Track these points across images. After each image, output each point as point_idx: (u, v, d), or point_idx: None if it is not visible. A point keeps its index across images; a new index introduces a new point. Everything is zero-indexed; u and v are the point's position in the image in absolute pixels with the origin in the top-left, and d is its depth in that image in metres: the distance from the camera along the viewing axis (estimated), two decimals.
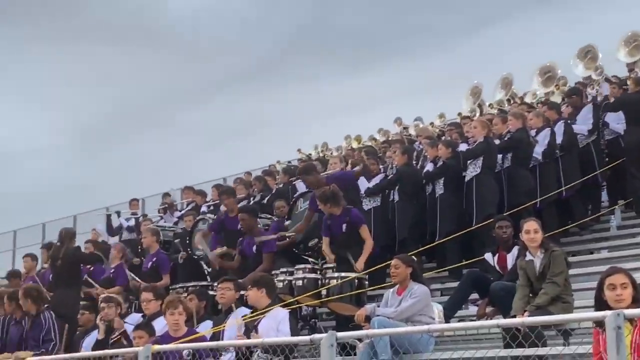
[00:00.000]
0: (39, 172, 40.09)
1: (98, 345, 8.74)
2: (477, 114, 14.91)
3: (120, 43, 44.83)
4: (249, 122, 41.22)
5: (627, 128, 11.46)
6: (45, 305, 9.28)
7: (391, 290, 7.94)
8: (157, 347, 6.74)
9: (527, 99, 15.56)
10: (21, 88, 45.57)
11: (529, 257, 7.42)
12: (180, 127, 43.02)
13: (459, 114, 16.00)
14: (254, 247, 10.26)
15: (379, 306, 7.72)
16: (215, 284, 9.41)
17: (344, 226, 9.38)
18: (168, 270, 11.33)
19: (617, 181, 11.88)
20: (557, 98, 14.43)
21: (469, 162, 10.75)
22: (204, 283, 10.86)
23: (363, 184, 11.68)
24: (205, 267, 11.77)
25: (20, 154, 43.23)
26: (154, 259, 11.36)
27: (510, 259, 8.22)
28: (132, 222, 16.37)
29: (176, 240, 12.65)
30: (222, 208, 11.81)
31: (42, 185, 37.36)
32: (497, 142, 10.98)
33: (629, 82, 12.39)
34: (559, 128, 11.30)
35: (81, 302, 10.63)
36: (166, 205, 16.41)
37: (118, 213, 17.21)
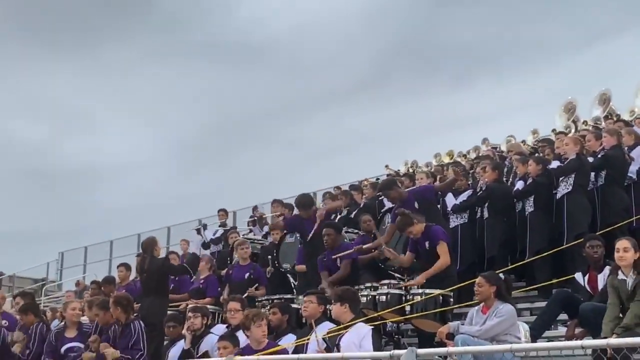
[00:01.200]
0: (140, 186, 41.33)
1: (184, 355, 8.88)
2: (572, 131, 14.53)
3: (224, 60, 45.89)
4: (349, 138, 41.49)
5: None
6: (135, 315, 9.50)
7: (476, 308, 7.80)
8: (239, 358, 6.81)
9: (625, 116, 15.10)
10: (130, 104, 47.19)
11: (621, 276, 7.18)
12: (280, 143, 43.65)
13: (553, 130, 15.63)
14: (338, 262, 10.26)
15: (463, 324, 7.60)
16: (300, 296, 9.46)
17: (427, 244, 9.33)
18: (266, 282, 11.44)
19: None
20: None
21: (560, 179, 10.50)
22: (289, 296, 10.91)
23: (450, 200, 11.54)
24: (291, 279, 11.87)
25: (123, 168, 44.70)
26: (251, 271, 11.46)
27: (601, 279, 7.97)
28: (219, 234, 16.55)
29: (268, 256, 12.67)
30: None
31: (141, 198, 38.48)
32: (590, 159, 10.69)
33: None
34: None
35: (169, 312, 10.80)
36: (255, 218, 16.56)
37: (204, 226, 17.44)
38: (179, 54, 46.28)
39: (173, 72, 45.93)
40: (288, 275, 12.11)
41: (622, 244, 7.23)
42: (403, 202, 9.88)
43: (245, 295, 10.42)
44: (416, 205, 10.09)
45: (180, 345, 9.29)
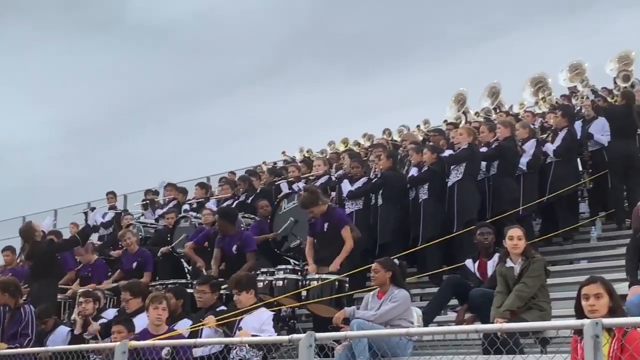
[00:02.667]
0: (29, 167, 39.85)
1: (75, 340, 8.67)
2: (463, 121, 14.93)
3: (125, 40, 44.74)
4: (248, 124, 41.16)
5: (611, 140, 11.54)
6: (24, 299, 9.17)
7: (371, 293, 7.93)
8: (134, 342, 6.68)
9: (515, 109, 15.63)
10: (23, 82, 45.30)
11: (509, 263, 7.45)
12: (178, 127, 42.93)
13: (445, 121, 16.02)
14: (234, 248, 10.22)
15: (358, 309, 7.71)
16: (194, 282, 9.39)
17: (326, 225, 9.37)
18: (152, 268, 11.29)
19: (599, 192, 11.95)
20: (543, 109, 14.52)
21: (452, 168, 10.78)
22: (183, 281, 10.82)
23: (346, 186, 11.67)
24: (185, 265, 11.75)
25: (13, 149, 42.95)
26: (139, 258, 11.30)
27: (491, 265, 8.24)
28: (109, 217, 16.23)
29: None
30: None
31: (29, 180, 37.10)
32: (484, 149, 11.01)
33: (614, 96, 12.49)
34: (562, 133, 11.43)
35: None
36: (147, 202, 16.32)
37: (92, 209, 17.09)
38: (77, 32, 44.86)
39: (70, 50, 44.47)
40: (182, 260, 11.99)
41: (515, 232, 7.49)
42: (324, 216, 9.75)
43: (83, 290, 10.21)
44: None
45: (58, 333, 9.08)
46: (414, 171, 11.22)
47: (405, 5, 41.40)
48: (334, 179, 12.77)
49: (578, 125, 12.19)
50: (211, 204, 13.80)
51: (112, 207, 16.80)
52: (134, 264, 11.27)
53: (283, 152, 19.05)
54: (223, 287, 9.06)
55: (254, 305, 7.75)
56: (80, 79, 44.58)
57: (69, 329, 9.21)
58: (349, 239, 9.33)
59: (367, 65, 44.32)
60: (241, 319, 7.55)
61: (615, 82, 13.78)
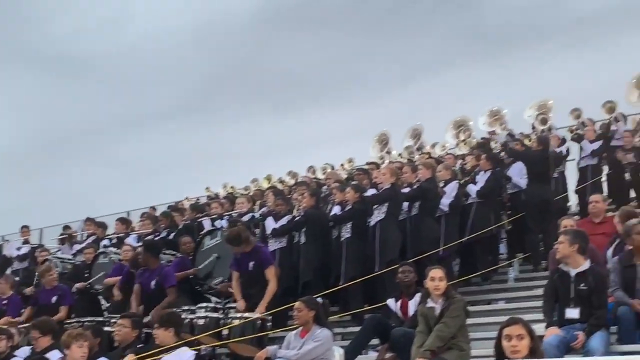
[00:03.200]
0: None
1: None
2: (386, 161, 15.13)
3: (46, 71, 43.70)
4: (172, 158, 40.66)
5: (528, 184, 11.87)
6: None
7: (294, 332, 7.92)
8: None
9: (437, 150, 15.93)
10: None
11: (430, 303, 7.54)
12: (100, 161, 42.06)
13: (367, 163, 16.18)
14: (153, 283, 10.06)
15: (280, 348, 7.68)
16: (113, 320, 9.19)
17: (251, 264, 9.32)
18: (70, 302, 11.05)
19: (516, 234, 12.24)
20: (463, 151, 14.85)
21: (374, 207, 10.88)
22: (100, 319, 10.57)
23: (270, 224, 11.65)
24: (103, 302, 11.50)
25: None
26: (59, 293, 11.03)
27: (412, 305, 8.33)
28: (24, 251, 15.82)
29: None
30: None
31: None
32: (406, 190, 11.17)
33: (531, 140, 12.87)
34: (486, 175, 11.74)
35: None
36: (65, 236, 15.95)
37: (6, 241, 16.67)
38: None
39: None
40: (99, 297, 11.72)
41: (437, 273, 7.60)
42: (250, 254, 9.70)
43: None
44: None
45: None
46: (336, 210, 11.28)
47: (332, 45, 41.95)
48: (257, 216, 12.74)
49: None
50: (131, 240, 13.56)
51: (26, 242, 16.39)
52: (54, 299, 10.96)
53: (207, 188, 18.94)
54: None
55: (176, 344, 7.60)
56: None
57: None
58: (273, 279, 9.29)
59: (293, 102, 44.59)
60: (161, 358, 7.39)
61: (533, 128, 14.23)
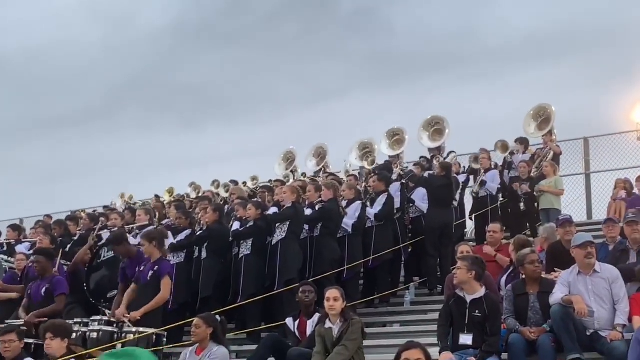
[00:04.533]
0: None
1: None
2: (291, 180, 15.18)
3: None
4: (71, 166, 39.51)
5: (429, 208, 12.12)
6: None
7: (190, 349, 7.82)
8: None
9: (342, 171, 16.05)
10: None
11: (328, 324, 7.58)
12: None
13: (271, 180, 16.19)
14: (43, 291, 9.73)
15: None
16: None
17: (150, 273, 9.11)
18: None
19: (414, 258, 12.46)
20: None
21: (276, 226, 10.87)
22: None
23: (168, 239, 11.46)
24: None
25: None
26: None
27: (311, 325, 8.34)
28: None
29: None
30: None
31: None
32: (308, 211, 11.20)
33: (434, 165, 13.18)
34: (382, 198, 11.81)
35: None
36: None
37: None
38: None
39: None
40: None
41: (332, 293, 7.66)
42: (132, 259, 9.58)
43: None
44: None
45: None
46: (237, 225, 11.20)
47: (240, 60, 41.87)
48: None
49: (396, 189, 12.72)
50: (23, 248, 13.10)
51: None
52: None
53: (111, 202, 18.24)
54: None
55: (66, 358, 7.39)
56: None
57: None
58: (165, 290, 9.05)
59: (199, 117, 44.22)
60: None
61: (436, 152, 14.61)
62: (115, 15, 43.43)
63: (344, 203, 11.47)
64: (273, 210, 11.36)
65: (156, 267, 9.14)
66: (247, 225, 11.09)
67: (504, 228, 11.35)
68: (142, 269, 9.27)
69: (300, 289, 8.71)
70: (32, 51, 41.81)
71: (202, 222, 11.79)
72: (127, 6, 42.35)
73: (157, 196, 17.44)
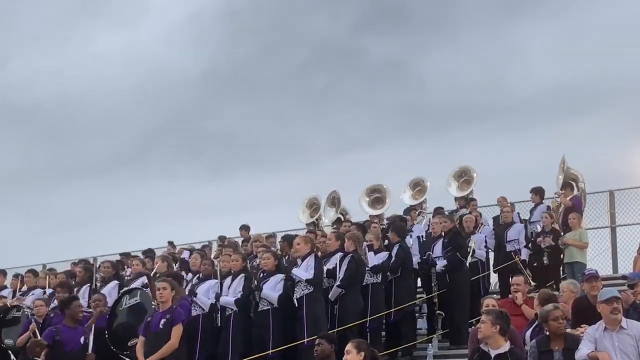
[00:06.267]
0: None
1: None
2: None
3: None
4: (98, 212, 39.85)
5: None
6: None
7: None
8: None
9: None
10: None
11: None
12: (21, 211, 40.97)
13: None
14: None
15: None
16: None
17: (162, 322, 9.07)
18: None
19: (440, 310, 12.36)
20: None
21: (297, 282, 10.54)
22: None
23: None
24: (13, 357, 11.09)
25: None
26: None
27: None
28: None
29: None
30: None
31: None
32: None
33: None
34: (394, 250, 11.74)
35: None
36: None
37: None
38: None
39: None
40: (9, 351, 11.30)
41: (349, 347, 7.57)
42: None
43: None
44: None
45: None
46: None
47: (269, 109, 42.28)
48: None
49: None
50: (38, 294, 13.14)
51: None
52: None
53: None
54: None
55: None
56: None
57: None
58: (177, 337, 8.99)
59: (227, 164, 44.58)
60: None
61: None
62: (148, 63, 44.04)
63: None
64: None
65: (168, 315, 9.11)
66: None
67: (529, 281, 11.25)
68: (149, 320, 9.24)
69: (316, 342, 8.63)
70: (65, 98, 42.52)
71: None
72: (160, 53, 42.94)
73: (170, 242, 17.39)
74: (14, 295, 13.47)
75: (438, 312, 12.13)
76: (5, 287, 14.53)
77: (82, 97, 42.91)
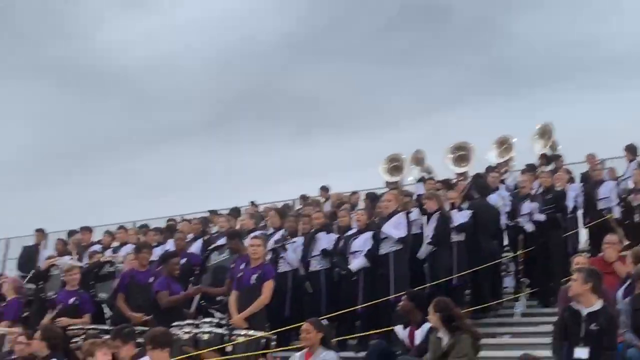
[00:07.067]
0: None
1: None
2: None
3: (71, 84, 43.85)
4: (185, 176, 40.75)
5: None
6: None
7: (298, 354, 7.85)
8: None
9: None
10: None
11: (439, 334, 7.48)
12: (112, 174, 42.17)
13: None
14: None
15: None
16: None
17: (254, 277, 9.25)
18: (91, 311, 10.85)
19: (526, 269, 12.20)
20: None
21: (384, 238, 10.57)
22: (105, 327, 10.52)
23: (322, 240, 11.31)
24: (107, 310, 11.45)
25: None
26: (77, 297, 10.81)
27: (419, 334, 8.25)
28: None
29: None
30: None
31: None
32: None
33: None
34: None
35: None
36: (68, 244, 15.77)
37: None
38: (18, 72, 44.02)
39: (16, 89, 43.58)
40: (103, 305, 11.67)
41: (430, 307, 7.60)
42: (241, 257, 9.76)
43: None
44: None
45: None
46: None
47: (352, 73, 42.15)
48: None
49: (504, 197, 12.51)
50: (129, 249, 13.47)
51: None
52: (71, 300, 10.73)
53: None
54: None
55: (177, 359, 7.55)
56: (11, 119, 43.60)
57: None
58: (267, 294, 9.16)
59: (311, 127, 44.77)
60: None
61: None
62: (233, 30, 44.45)
63: None
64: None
65: (260, 271, 9.27)
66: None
67: (621, 239, 10.95)
68: (240, 275, 9.41)
69: (403, 298, 8.66)
70: (154, 64, 43.35)
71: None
72: (244, 20, 43.26)
73: (252, 202, 17.57)
74: (104, 251, 13.83)
75: (522, 279, 11.99)
76: (94, 243, 14.93)
77: (169, 64, 43.71)
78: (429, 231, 10.79)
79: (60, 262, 12.59)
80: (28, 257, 14.98)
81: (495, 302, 11.52)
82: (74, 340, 9.98)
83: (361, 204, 14.54)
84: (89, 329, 10.19)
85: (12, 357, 8.68)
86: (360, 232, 10.78)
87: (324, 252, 11.06)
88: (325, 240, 11.18)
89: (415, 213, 11.24)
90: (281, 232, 11.99)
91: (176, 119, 43.20)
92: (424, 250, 10.75)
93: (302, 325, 7.85)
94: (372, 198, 13.60)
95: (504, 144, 15.94)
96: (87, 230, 15.33)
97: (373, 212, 11.74)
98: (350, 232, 11.09)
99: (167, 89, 43.13)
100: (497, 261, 11.57)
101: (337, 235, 11.34)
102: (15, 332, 9.19)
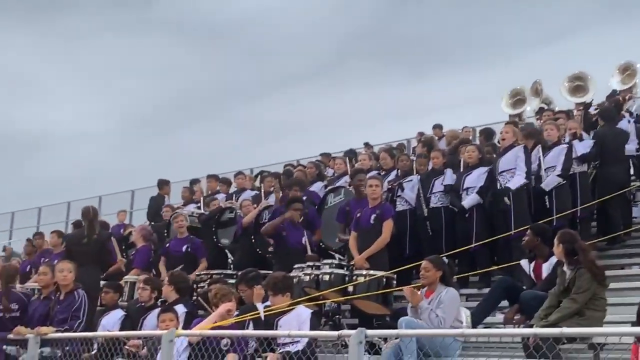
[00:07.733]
0: (81, 156, 40.39)
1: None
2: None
3: (186, 37, 45.19)
4: (302, 120, 41.29)
5: None
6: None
7: (419, 292, 7.79)
8: (181, 331, 6.67)
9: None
10: (81, 74, 46.12)
11: (565, 267, 7.27)
12: (231, 122, 43.24)
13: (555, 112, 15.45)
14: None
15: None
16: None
17: (373, 217, 9.23)
18: (205, 255, 11.21)
19: None
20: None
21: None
22: (228, 272, 10.79)
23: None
24: (229, 255, 11.74)
25: (69, 138, 43.73)
26: (189, 244, 11.22)
27: (546, 268, 8.04)
28: None
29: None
30: None
31: (79, 168, 37.67)
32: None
33: None
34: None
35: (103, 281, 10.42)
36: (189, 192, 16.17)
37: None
38: (138, 28, 45.49)
39: (130, 45, 45.11)
40: (226, 250, 11.97)
41: (424, 264, 7.51)
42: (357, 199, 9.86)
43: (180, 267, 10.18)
44: None
45: (115, 314, 9.09)
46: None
47: (465, 7, 41.17)
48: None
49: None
50: (247, 195, 13.71)
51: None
52: (184, 248, 11.17)
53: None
54: None
55: (300, 299, 7.67)
56: (137, 73, 45.09)
57: (124, 313, 9.19)
58: (387, 232, 9.18)
59: (426, 65, 44.18)
60: (280, 317, 7.45)
61: None
62: None
63: None
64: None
65: (378, 211, 9.26)
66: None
67: None
68: (358, 215, 9.38)
69: (527, 232, 8.44)
70: (267, 13, 43.70)
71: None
72: None
73: (366, 144, 17.49)
74: (227, 199, 14.09)
75: None
76: (219, 192, 15.25)
77: (282, 12, 43.91)
78: (553, 163, 10.42)
79: (182, 211, 12.96)
80: (156, 207, 15.40)
81: (623, 232, 11.09)
82: (200, 285, 10.32)
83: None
84: (214, 274, 10.45)
85: (141, 303, 8.97)
86: (472, 167, 10.55)
87: (447, 188, 10.89)
88: (450, 177, 11.00)
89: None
90: (394, 172, 11.90)
91: (290, 65, 43.57)
92: (549, 182, 10.38)
93: (421, 263, 7.78)
94: (487, 134, 13.29)
95: (627, 70, 15.20)
96: (213, 178, 15.63)
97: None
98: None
99: (281, 37, 43.44)
100: (625, 189, 11.08)
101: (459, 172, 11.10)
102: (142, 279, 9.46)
